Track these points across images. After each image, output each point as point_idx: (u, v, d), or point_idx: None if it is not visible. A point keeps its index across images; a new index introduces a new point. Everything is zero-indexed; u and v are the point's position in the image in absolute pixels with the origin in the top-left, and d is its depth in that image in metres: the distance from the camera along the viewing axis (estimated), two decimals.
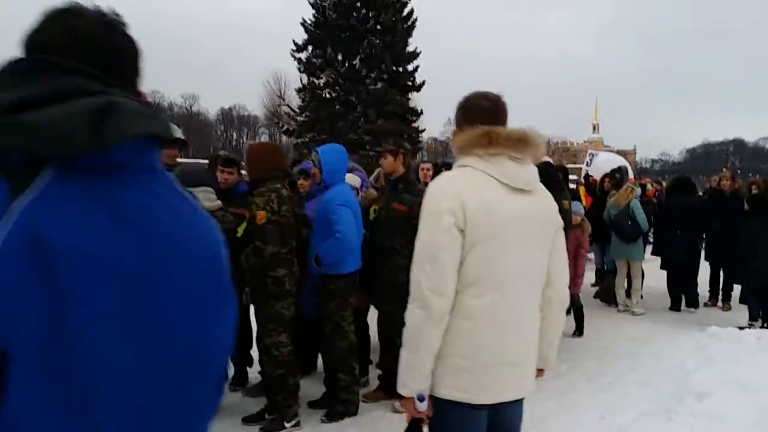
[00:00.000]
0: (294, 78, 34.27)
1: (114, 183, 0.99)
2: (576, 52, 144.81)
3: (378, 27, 29.92)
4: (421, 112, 30.53)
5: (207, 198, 3.97)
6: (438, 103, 32.46)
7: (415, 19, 30.48)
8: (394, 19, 29.72)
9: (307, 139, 28.40)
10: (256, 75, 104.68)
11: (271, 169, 4.16)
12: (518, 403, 2.18)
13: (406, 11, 30.52)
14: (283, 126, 33.65)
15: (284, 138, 35.64)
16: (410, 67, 30.61)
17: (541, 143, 2.09)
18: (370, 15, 30.15)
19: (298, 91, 31.13)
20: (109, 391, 0.95)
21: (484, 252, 1.94)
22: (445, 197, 1.96)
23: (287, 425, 4.10)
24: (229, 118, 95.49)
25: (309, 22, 30.25)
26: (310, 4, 30.14)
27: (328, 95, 30.14)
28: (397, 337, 2.21)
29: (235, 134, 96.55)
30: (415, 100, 31.45)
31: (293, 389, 4.14)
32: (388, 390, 4.40)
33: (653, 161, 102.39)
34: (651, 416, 4.13)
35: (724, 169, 11.44)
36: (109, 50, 1.08)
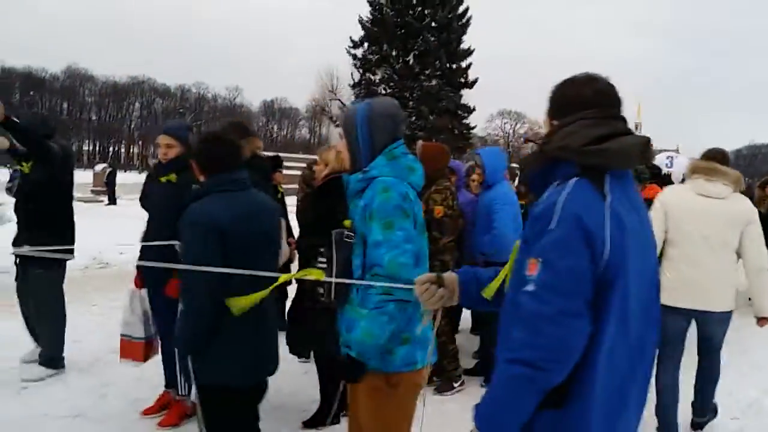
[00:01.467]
0: (344, 73, 34.96)
1: (625, 183, 1.59)
2: (617, 48, 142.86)
3: (433, 24, 30.44)
4: (474, 109, 30.96)
5: None
6: (480, 100, 32.83)
7: (470, 17, 30.89)
8: (450, 16, 30.17)
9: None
10: (299, 69, 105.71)
11: (443, 167, 4.75)
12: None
13: (461, 9, 30.94)
14: (336, 120, 34.31)
15: (324, 130, 36.26)
16: (464, 64, 31.03)
17: None
18: (426, 12, 30.69)
19: (353, 86, 31.77)
20: (633, 312, 1.54)
21: None
22: None
23: (455, 385, 4.70)
24: (271, 110, 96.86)
25: (366, 18, 30.85)
26: (368, 1, 30.72)
27: (383, 91, 30.70)
28: None
29: (275, 126, 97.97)
30: (466, 96, 31.85)
31: (453, 353, 4.74)
32: None
33: None
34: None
35: None
36: (610, 98, 1.67)
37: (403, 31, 30.43)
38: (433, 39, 29.77)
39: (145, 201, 4.38)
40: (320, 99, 40.90)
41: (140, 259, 4.33)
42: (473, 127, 32.64)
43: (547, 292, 1.49)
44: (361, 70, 31.32)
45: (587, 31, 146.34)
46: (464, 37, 30.89)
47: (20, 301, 5.00)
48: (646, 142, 1.61)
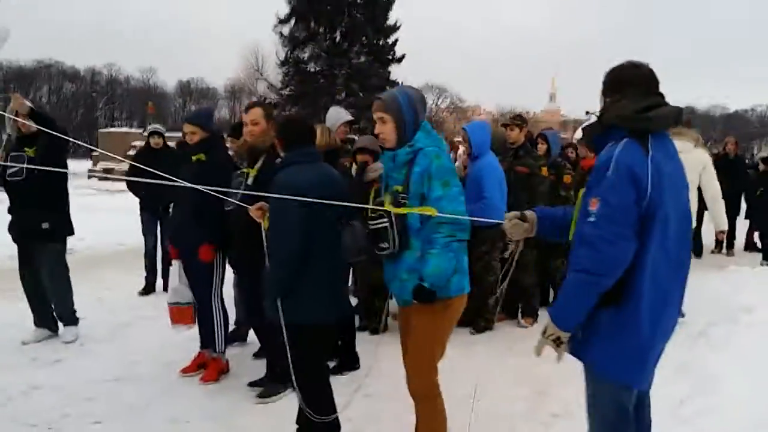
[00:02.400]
0: (269, 52, 34.71)
1: (664, 140, 2.19)
2: (533, 19, 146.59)
3: (359, 1, 30.63)
4: (402, 84, 31.46)
5: None
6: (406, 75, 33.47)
7: None
8: None
9: (292, 113, 29.10)
10: (216, 48, 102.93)
11: None
12: None
13: None
14: (265, 99, 34.13)
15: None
16: (390, 40, 31.43)
17: None
18: None
19: (281, 64, 31.62)
20: (671, 235, 2.17)
21: None
22: None
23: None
24: (188, 90, 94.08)
25: None
26: None
27: (312, 69, 30.78)
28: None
29: (193, 107, 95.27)
30: (395, 72, 32.30)
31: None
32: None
33: None
34: (722, 323, 5.43)
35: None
36: (651, 79, 2.26)
37: (329, 7, 30.48)
38: (359, 15, 29.99)
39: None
40: (245, 78, 40.50)
41: (171, 230, 4.72)
42: None
43: (604, 221, 2.11)
44: (288, 48, 31.17)
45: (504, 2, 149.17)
46: (390, 13, 31.23)
47: (24, 282, 5.30)
48: (679, 111, 2.24)
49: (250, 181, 4.08)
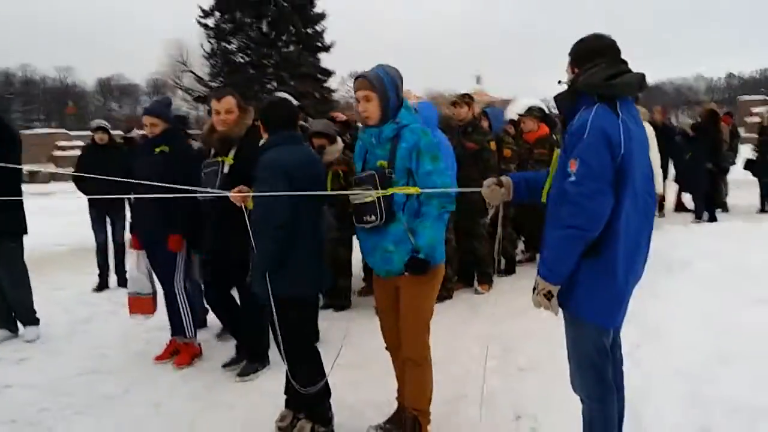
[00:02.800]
0: (192, 45, 33.97)
1: (629, 105, 2.42)
2: (459, 5, 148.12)
3: None
4: (333, 73, 31.47)
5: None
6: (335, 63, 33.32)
7: None
8: None
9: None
10: (134, 43, 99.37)
11: None
12: None
13: None
14: (194, 93, 33.48)
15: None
16: (318, 28, 31.29)
17: None
18: None
19: (209, 56, 31.04)
20: (639, 190, 2.41)
21: None
22: None
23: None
24: (108, 88, 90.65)
25: None
26: None
27: (241, 60, 30.34)
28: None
29: (114, 104, 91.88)
30: (324, 60, 32.20)
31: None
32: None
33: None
34: (662, 276, 5.84)
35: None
36: (615, 49, 2.48)
37: None
38: (285, 4, 29.71)
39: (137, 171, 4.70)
40: (169, 72, 39.37)
41: (134, 221, 4.72)
42: (334, 91, 33.24)
43: (585, 179, 2.32)
44: (214, 40, 30.59)
45: None
46: (316, 1, 31.07)
47: None
48: (642, 77, 2.48)
49: (226, 169, 4.12)
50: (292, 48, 30.39)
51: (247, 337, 4.39)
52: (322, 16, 31.20)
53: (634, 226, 2.45)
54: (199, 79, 33.27)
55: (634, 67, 2.52)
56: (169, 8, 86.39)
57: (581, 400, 2.67)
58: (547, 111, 10.01)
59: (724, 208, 10.45)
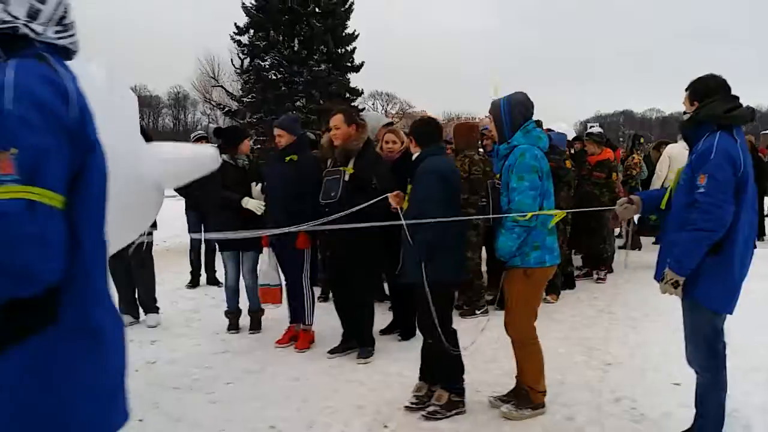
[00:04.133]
0: (224, 60, 34.96)
1: (741, 132, 3.05)
2: (477, 27, 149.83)
3: (317, 10, 31.31)
4: (362, 92, 32.32)
5: None
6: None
7: (353, 2, 32.08)
8: (334, 2, 31.16)
9: (254, 120, 29.52)
10: (157, 56, 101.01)
11: (470, 140, 6.11)
12: None
13: None
14: (224, 108, 34.36)
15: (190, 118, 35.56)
16: (349, 48, 32.19)
17: None
18: None
19: (241, 73, 31.93)
20: (750, 202, 3.03)
21: None
22: None
23: (478, 312, 6.11)
24: None
25: (250, 5, 31.09)
26: None
27: (272, 77, 31.18)
28: None
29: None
30: (353, 80, 33.06)
31: (478, 288, 6.17)
32: None
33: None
34: None
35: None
36: (727, 86, 3.11)
37: (287, 17, 31.06)
38: (318, 24, 30.62)
39: (269, 178, 5.35)
40: (200, 86, 40.46)
41: (266, 222, 5.37)
42: (362, 110, 33.97)
43: (713, 191, 2.93)
44: (248, 57, 31.52)
45: (447, 10, 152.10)
46: (348, 23, 32.00)
47: (114, 273, 5.81)
48: (752, 110, 3.10)
49: (347, 177, 4.79)
50: (323, 67, 31.23)
51: (359, 326, 5.01)
52: (353, 37, 32.13)
53: (746, 229, 3.05)
54: (230, 94, 34.21)
55: None
56: (194, 24, 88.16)
57: (696, 372, 3.25)
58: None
59: None
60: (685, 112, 3.25)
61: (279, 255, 5.23)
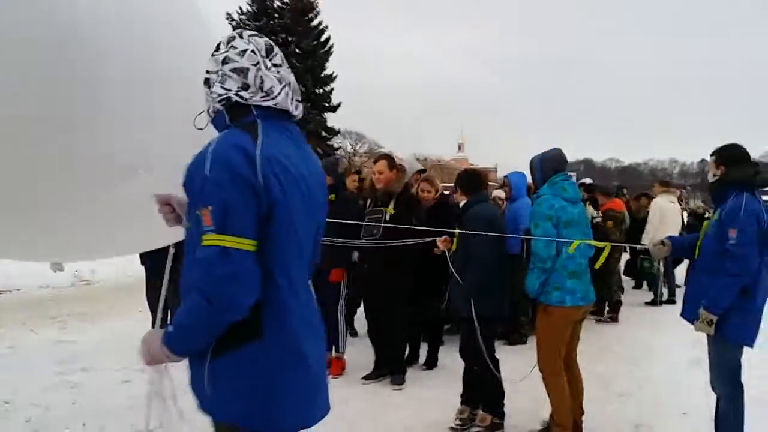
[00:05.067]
0: None
1: (759, 194, 3.61)
2: (441, 75, 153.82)
3: (297, 51, 32.09)
4: (338, 131, 32.98)
5: None
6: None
7: (332, 45, 32.99)
8: (314, 43, 32.00)
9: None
10: None
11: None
12: None
13: (323, 37, 32.97)
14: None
15: None
16: (327, 89, 32.95)
17: None
18: (290, 39, 32.38)
19: None
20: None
21: None
22: None
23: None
24: None
25: None
26: (233, 28, 31.63)
27: None
28: None
29: None
30: (330, 119, 33.76)
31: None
32: None
33: None
34: None
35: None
36: (748, 154, 3.68)
37: None
38: (299, 65, 31.33)
39: None
40: None
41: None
42: (337, 149, 34.68)
43: (743, 242, 3.47)
44: None
45: (422, 58, 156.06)
46: (327, 64, 32.84)
47: (151, 294, 6.10)
48: None
49: (387, 216, 5.23)
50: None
51: (393, 354, 5.39)
52: (331, 78, 32.94)
53: (766, 272, 3.59)
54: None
55: None
56: None
57: (718, 398, 3.73)
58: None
59: None
60: (714, 175, 3.78)
61: (316, 287, 5.57)
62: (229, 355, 1.81)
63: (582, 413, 4.25)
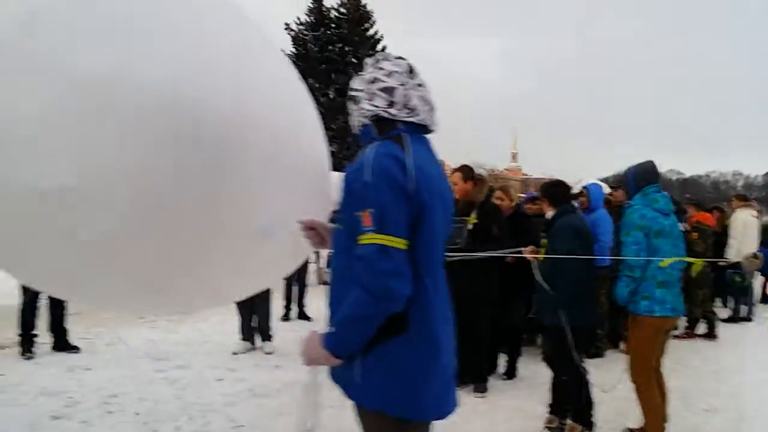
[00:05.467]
0: None
1: None
2: (493, 84, 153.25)
3: (354, 60, 32.55)
4: None
5: None
6: None
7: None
8: (371, 53, 32.36)
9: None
10: None
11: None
12: None
13: (378, 47, 33.35)
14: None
15: None
16: None
17: None
18: (347, 50, 32.90)
19: None
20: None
21: None
22: None
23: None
24: None
25: (290, 53, 32.35)
26: (291, 38, 32.38)
27: None
28: None
29: None
30: None
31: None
32: None
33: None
34: None
35: None
36: None
37: (324, 66, 32.33)
38: (356, 74, 31.71)
39: None
40: None
41: None
42: None
43: None
44: None
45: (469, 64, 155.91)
46: None
47: (240, 302, 6.36)
48: None
49: (470, 226, 5.36)
50: None
51: (476, 363, 5.50)
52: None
53: None
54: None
55: None
56: None
57: None
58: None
59: None
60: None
61: None
62: (379, 347, 1.98)
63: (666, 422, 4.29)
